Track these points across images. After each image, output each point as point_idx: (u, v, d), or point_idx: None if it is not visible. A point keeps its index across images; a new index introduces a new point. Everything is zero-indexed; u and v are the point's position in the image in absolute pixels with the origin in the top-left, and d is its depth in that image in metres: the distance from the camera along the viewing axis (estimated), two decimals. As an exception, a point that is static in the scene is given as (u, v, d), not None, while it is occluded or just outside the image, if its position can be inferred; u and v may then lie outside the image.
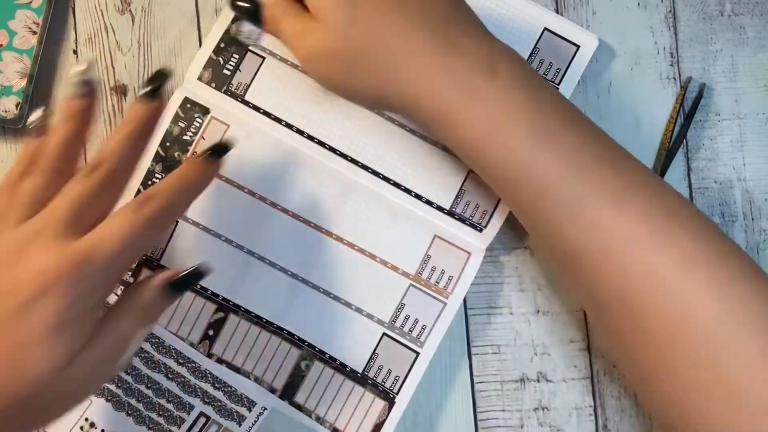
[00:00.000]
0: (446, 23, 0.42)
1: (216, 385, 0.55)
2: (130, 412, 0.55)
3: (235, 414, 0.55)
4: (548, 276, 0.58)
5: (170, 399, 0.55)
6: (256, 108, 0.57)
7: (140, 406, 0.55)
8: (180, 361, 0.55)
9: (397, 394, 0.55)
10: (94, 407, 0.55)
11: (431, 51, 0.41)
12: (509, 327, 0.57)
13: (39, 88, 0.58)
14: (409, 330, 0.55)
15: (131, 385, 0.55)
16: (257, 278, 0.56)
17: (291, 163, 0.56)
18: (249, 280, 0.56)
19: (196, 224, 0.56)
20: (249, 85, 0.57)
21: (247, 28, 0.55)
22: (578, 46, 0.57)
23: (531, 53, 0.57)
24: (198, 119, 0.56)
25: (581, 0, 0.59)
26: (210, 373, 0.55)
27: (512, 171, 0.43)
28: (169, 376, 0.55)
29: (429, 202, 0.56)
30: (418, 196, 0.56)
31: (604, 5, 0.59)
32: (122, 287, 0.56)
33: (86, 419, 0.55)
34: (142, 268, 0.56)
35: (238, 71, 0.57)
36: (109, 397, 0.55)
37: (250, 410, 0.55)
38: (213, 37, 0.57)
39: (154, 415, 0.55)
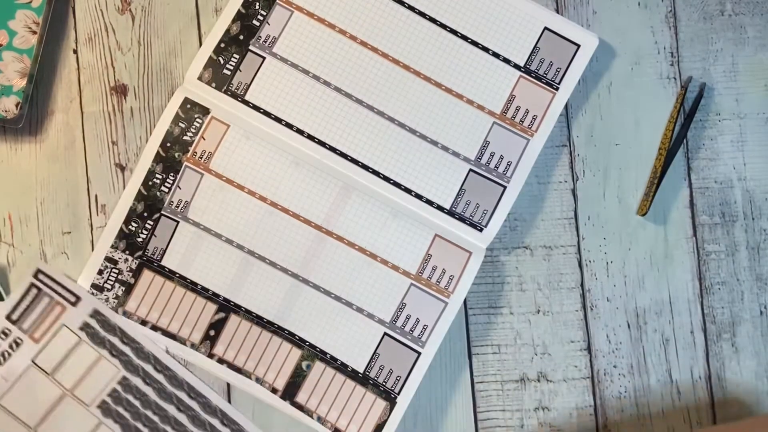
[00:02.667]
0: None
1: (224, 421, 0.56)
2: None
3: None
4: (548, 276, 0.58)
5: (176, 428, 0.55)
6: (256, 108, 0.57)
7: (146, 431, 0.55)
8: (192, 395, 0.55)
9: (398, 394, 0.55)
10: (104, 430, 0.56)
11: None
12: (509, 327, 0.58)
13: (39, 88, 0.58)
14: (411, 330, 0.55)
15: (138, 409, 0.55)
16: (258, 278, 0.56)
17: (291, 163, 0.56)
18: (250, 280, 0.56)
19: (196, 224, 0.56)
20: (249, 85, 0.57)
21: None
22: (578, 46, 0.57)
23: (531, 53, 0.57)
24: (198, 119, 0.56)
25: (581, 0, 0.59)
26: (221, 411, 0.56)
27: None
28: (181, 408, 0.55)
29: (429, 202, 0.56)
30: (419, 196, 0.56)
31: (604, 5, 0.59)
32: (123, 287, 0.56)
33: None
34: (143, 269, 0.56)
35: (238, 71, 0.57)
36: (117, 419, 0.55)
37: None
38: (213, 36, 0.57)
39: None
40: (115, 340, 0.56)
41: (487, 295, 0.58)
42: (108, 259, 0.56)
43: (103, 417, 0.55)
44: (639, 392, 0.57)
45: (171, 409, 0.55)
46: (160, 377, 0.55)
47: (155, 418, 0.55)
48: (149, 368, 0.55)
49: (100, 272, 0.56)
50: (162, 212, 0.56)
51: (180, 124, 0.56)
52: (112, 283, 0.56)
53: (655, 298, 0.57)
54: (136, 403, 0.55)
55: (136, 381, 0.55)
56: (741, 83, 0.59)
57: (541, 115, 0.57)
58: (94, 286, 0.56)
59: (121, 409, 0.55)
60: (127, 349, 0.56)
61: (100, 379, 0.55)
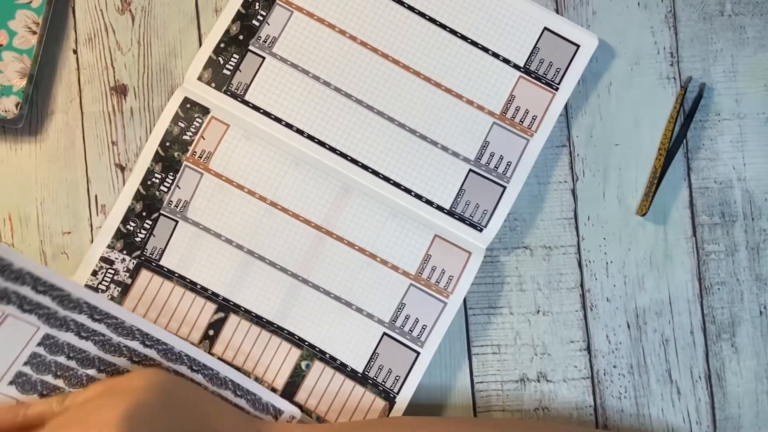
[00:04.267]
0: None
1: (238, 392, 0.54)
2: None
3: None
4: (548, 276, 0.58)
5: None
6: (256, 108, 0.57)
7: None
8: (194, 368, 0.54)
9: (397, 393, 0.55)
10: None
11: None
12: (509, 327, 0.57)
13: (39, 88, 0.58)
14: (410, 330, 0.55)
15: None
16: (257, 278, 0.56)
17: (291, 163, 0.56)
18: (249, 280, 0.56)
19: (196, 224, 0.56)
20: (249, 85, 0.57)
21: None
22: (578, 46, 0.57)
23: (531, 53, 0.57)
24: (198, 119, 0.56)
25: (581, 0, 0.59)
26: (230, 381, 0.54)
27: None
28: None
29: (429, 202, 0.56)
30: (418, 196, 0.56)
31: (604, 5, 0.59)
32: (119, 288, 0.56)
33: None
34: (141, 269, 0.56)
35: (238, 71, 0.57)
36: None
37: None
38: (213, 36, 0.57)
39: None
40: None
41: (486, 295, 0.58)
42: (104, 259, 0.56)
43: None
44: (639, 392, 0.57)
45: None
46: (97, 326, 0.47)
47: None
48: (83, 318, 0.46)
49: (95, 273, 0.56)
50: (161, 212, 0.56)
51: (179, 123, 0.56)
52: (107, 284, 0.56)
53: (655, 298, 0.57)
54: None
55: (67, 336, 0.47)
56: (741, 83, 0.59)
57: (541, 116, 0.57)
58: (87, 287, 0.56)
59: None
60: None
61: None
